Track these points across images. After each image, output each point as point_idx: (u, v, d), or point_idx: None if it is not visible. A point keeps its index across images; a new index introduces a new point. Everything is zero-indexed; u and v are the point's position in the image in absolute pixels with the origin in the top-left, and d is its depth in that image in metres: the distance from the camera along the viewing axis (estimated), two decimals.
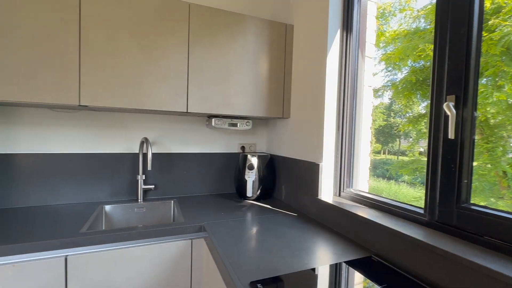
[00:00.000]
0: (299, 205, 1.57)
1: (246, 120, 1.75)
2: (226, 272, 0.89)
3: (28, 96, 1.17)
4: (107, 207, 1.55)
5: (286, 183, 1.72)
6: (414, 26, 2.02)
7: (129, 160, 1.68)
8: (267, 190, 1.80)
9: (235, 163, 1.95)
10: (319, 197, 1.38)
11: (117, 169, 1.65)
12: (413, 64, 1.93)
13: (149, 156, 1.49)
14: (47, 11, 1.19)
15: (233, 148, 1.98)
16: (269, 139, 2.02)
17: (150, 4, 1.36)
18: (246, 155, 1.75)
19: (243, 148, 2.00)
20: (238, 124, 1.72)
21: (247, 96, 1.59)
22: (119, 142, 1.66)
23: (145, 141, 1.56)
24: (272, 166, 1.84)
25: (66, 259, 1.06)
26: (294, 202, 1.63)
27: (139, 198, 1.66)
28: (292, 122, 1.69)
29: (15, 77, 1.15)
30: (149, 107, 1.37)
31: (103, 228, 1.51)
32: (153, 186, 1.71)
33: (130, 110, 1.48)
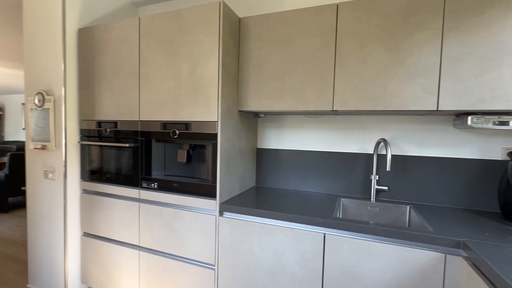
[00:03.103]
0: None
1: None
2: None
3: (299, 106, 1.56)
4: (343, 200, 1.74)
5: None
6: None
7: (363, 160, 1.77)
8: None
9: (496, 174, 1.50)
10: None
11: (352, 168, 1.80)
12: None
13: (389, 157, 1.49)
14: (313, 38, 1.51)
15: (492, 153, 1.53)
16: None
17: (397, 3, 1.36)
18: None
19: (511, 154, 1.49)
20: (511, 122, 1.30)
21: None
22: (355, 143, 1.80)
23: (383, 142, 1.58)
24: None
25: (324, 236, 1.30)
26: None
27: (372, 197, 1.70)
28: None
29: (292, 93, 1.57)
30: (393, 108, 1.37)
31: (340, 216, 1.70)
32: (386, 188, 1.69)
33: (373, 112, 1.55)
